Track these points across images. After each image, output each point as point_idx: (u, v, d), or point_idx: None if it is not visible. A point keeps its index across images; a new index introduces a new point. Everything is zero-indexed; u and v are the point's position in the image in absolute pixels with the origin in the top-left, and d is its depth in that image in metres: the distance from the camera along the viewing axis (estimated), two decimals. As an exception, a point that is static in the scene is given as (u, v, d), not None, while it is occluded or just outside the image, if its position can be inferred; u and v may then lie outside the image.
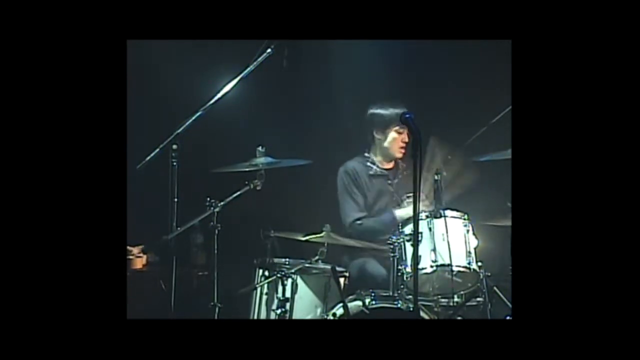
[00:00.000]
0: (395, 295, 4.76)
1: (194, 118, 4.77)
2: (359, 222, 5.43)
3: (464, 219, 4.91)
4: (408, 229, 4.87)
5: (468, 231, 4.89)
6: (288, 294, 4.89)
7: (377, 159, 5.60)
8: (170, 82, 5.75)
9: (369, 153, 5.61)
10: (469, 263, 4.80)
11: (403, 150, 5.52)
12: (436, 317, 4.75)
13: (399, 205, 5.49)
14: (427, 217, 4.85)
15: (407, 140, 5.45)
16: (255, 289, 5.07)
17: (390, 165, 5.62)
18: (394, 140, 5.50)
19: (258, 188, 4.90)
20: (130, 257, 5.61)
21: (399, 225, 4.98)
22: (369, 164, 5.58)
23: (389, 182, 5.58)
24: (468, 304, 4.84)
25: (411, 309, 4.44)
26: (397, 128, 5.42)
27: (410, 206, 5.20)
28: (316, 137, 6.16)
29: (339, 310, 4.71)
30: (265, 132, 5.50)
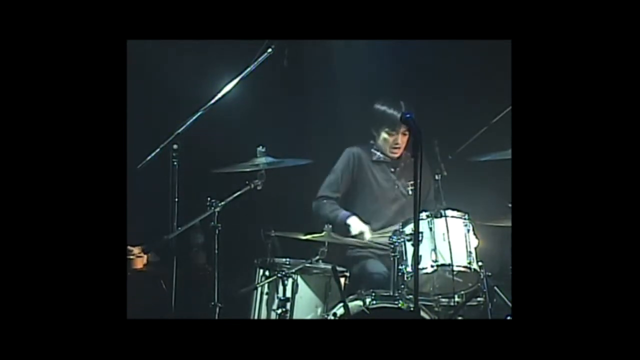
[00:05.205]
0: (396, 295, 4.76)
1: (194, 118, 4.77)
2: (323, 200, 5.45)
3: (465, 219, 4.91)
4: (409, 229, 4.87)
5: (469, 231, 4.89)
6: (288, 294, 4.88)
7: (380, 150, 5.59)
8: (170, 82, 5.74)
9: (374, 142, 5.61)
10: (469, 263, 4.80)
11: (396, 152, 5.50)
12: (436, 317, 4.75)
13: (403, 195, 5.50)
14: (427, 217, 4.86)
15: (398, 142, 5.45)
16: (256, 288, 5.06)
17: (395, 155, 5.60)
18: (385, 140, 5.49)
19: (259, 188, 4.89)
20: (131, 257, 5.59)
21: (401, 225, 4.98)
22: (373, 150, 5.58)
23: (392, 169, 5.57)
24: (468, 303, 4.84)
25: (412, 309, 4.44)
26: (387, 129, 5.43)
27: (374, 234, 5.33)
28: (316, 137, 6.15)
29: (339, 310, 4.71)
30: (265, 132, 5.49)
